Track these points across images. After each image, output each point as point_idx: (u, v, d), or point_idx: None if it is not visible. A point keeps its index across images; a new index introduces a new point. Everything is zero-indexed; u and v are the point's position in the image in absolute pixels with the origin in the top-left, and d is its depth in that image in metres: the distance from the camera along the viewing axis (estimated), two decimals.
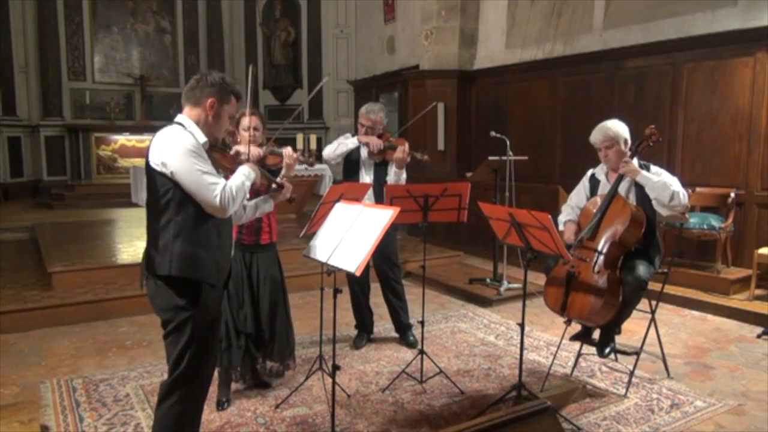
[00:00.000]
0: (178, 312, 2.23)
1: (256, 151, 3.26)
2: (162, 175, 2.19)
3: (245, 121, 3.32)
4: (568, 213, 3.69)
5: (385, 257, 4.18)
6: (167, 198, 2.21)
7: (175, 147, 2.18)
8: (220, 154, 2.58)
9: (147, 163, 2.24)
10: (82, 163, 11.02)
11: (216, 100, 2.33)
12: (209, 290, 2.28)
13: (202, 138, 2.30)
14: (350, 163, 4.21)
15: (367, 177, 4.16)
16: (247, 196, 2.39)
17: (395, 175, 4.05)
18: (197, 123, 2.33)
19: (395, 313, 4.31)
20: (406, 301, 4.32)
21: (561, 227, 3.61)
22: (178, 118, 2.34)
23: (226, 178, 2.54)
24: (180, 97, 2.43)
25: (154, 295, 2.28)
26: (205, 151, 2.29)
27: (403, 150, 3.93)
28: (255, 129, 3.33)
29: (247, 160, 2.59)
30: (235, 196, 2.26)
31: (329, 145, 4.28)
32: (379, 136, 4.12)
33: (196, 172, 2.17)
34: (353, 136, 4.27)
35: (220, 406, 3.25)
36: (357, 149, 4.19)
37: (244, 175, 2.38)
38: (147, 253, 2.30)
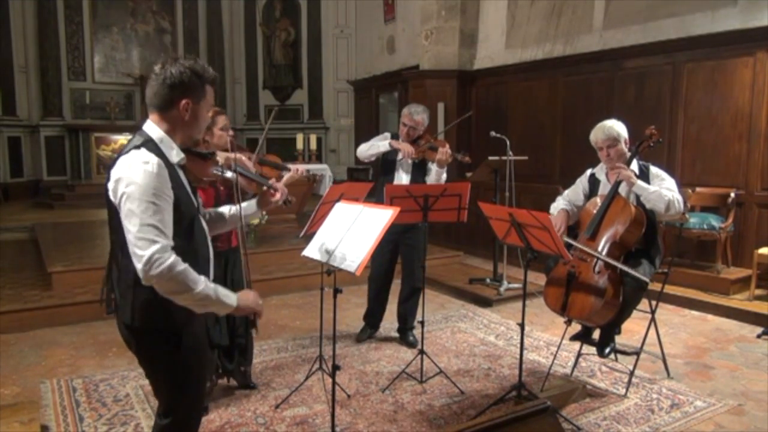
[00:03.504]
0: (156, 360, 1.93)
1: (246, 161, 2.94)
2: (117, 211, 1.82)
3: (221, 120, 3.06)
4: (561, 204, 3.68)
5: (417, 255, 4.20)
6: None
7: (133, 186, 1.77)
8: (201, 162, 2.14)
9: (106, 188, 1.87)
10: (82, 163, 11.02)
11: (190, 100, 1.89)
12: (191, 334, 1.94)
13: (177, 156, 1.92)
14: (387, 163, 4.25)
15: (404, 177, 4.19)
16: (195, 305, 1.85)
17: (436, 174, 4.10)
18: (171, 132, 1.92)
19: (405, 313, 4.32)
20: (418, 304, 4.31)
21: (553, 212, 3.61)
22: (147, 128, 1.91)
23: (213, 186, 2.22)
24: None
25: (127, 339, 1.96)
26: (182, 166, 1.97)
27: (445, 152, 3.99)
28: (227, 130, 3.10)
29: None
30: (172, 280, 1.74)
31: (364, 144, 4.30)
32: (420, 137, 4.16)
33: (136, 220, 1.74)
34: (392, 136, 4.28)
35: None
36: (394, 150, 4.21)
37: (216, 294, 1.85)
38: (111, 290, 1.95)
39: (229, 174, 2.20)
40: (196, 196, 2.07)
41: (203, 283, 1.82)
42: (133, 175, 1.78)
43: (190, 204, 1.96)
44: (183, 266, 1.77)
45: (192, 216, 1.96)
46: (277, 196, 2.40)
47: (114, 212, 1.85)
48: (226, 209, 2.34)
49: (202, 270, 1.92)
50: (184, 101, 1.89)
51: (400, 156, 4.16)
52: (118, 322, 1.96)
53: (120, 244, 1.86)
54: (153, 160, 1.82)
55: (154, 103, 1.91)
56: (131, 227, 1.75)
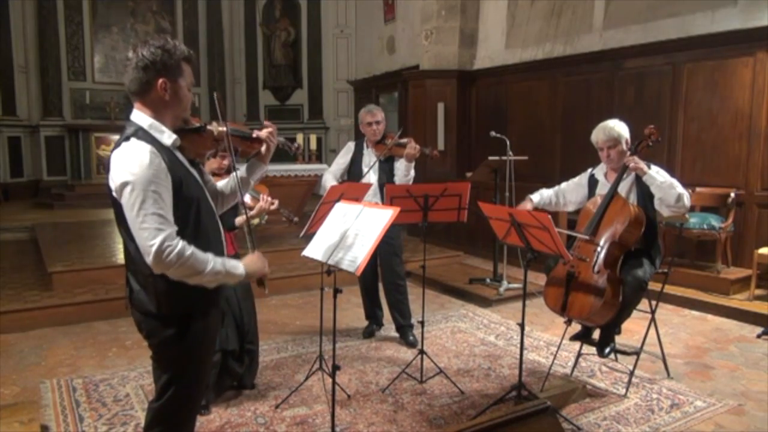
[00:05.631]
0: (163, 345, 1.98)
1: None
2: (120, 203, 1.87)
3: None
4: (542, 192, 3.73)
5: (391, 249, 4.24)
6: None
7: (127, 176, 1.80)
8: (197, 137, 2.10)
9: (108, 186, 1.91)
10: (82, 163, 11.01)
11: (166, 78, 1.89)
12: (201, 320, 2.00)
13: (170, 139, 1.93)
14: (355, 166, 4.31)
15: (373, 177, 4.25)
16: (205, 282, 1.89)
17: (405, 169, 4.15)
18: (158, 117, 1.93)
19: (393, 310, 4.33)
20: (408, 299, 4.33)
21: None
22: (134, 117, 1.93)
23: (214, 156, 2.20)
24: None
25: (139, 321, 2.01)
26: (178, 147, 1.98)
27: (413, 146, 4.06)
28: None
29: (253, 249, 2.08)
30: (183, 263, 1.79)
31: (325, 175, 4.39)
32: (385, 136, 4.23)
33: (137, 212, 1.78)
34: (356, 145, 4.39)
35: (202, 410, 3.14)
36: (360, 155, 4.32)
37: (224, 269, 1.90)
38: (128, 282, 2.00)
39: (222, 128, 2.15)
40: (201, 173, 2.08)
41: (211, 262, 1.87)
42: (128, 167, 1.80)
43: (193, 184, 1.97)
44: (190, 250, 1.82)
45: (198, 197, 1.98)
46: (263, 146, 2.26)
47: (120, 208, 1.87)
48: (222, 183, 2.31)
49: (216, 249, 1.98)
50: (160, 81, 1.89)
51: (370, 159, 4.24)
52: (133, 312, 2.00)
53: (131, 237, 1.88)
54: (145, 148, 1.83)
55: (133, 90, 1.92)
56: (135, 219, 1.79)
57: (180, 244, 1.80)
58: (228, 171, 3.20)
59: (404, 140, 4.14)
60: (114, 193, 1.87)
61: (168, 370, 2.02)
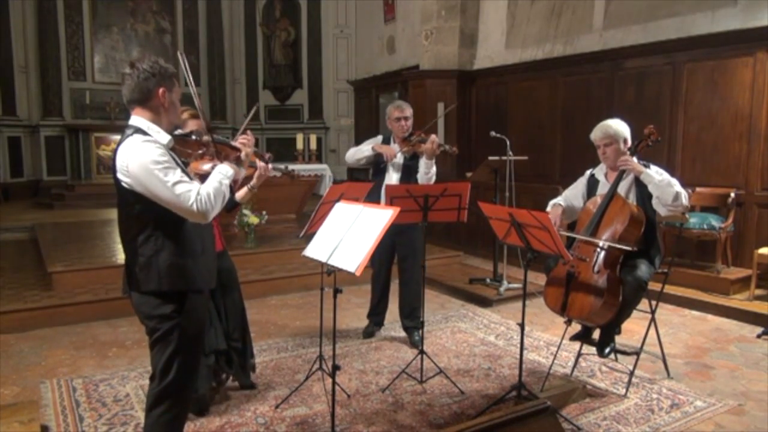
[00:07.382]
0: (164, 320, 2.18)
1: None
2: (133, 192, 2.09)
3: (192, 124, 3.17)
4: (557, 200, 3.71)
5: (412, 252, 4.22)
6: (143, 213, 2.12)
7: (140, 164, 2.04)
8: (186, 141, 2.39)
9: (115, 179, 2.13)
10: (82, 163, 11.00)
11: (165, 87, 2.17)
12: (196, 297, 2.23)
13: (166, 138, 2.19)
14: (378, 164, 4.30)
15: (395, 176, 4.23)
16: (227, 196, 2.23)
17: (426, 167, 4.14)
18: (156, 121, 2.18)
19: (406, 311, 4.31)
20: (420, 303, 4.28)
21: (548, 208, 3.63)
22: (135, 122, 2.17)
23: (201, 158, 2.54)
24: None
25: (138, 304, 2.22)
26: (171, 149, 2.21)
27: (433, 141, 4.04)
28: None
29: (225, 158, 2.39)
30: (213, 200, 2.10)
31: (352, 149, 4.41)
32: (411, 134, 4.20)
33: (167, 186, 2.03)
34: (384, 138, 4.36)
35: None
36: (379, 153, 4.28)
37: (221, 174, 2.22)
38: (127, 269, 2.22)
39: (206, 137, 2.48)
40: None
41: (219, 182, 2.17)
42: (138, 153, 2.05)
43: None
44: (207, 189, 2.11)
45: None
46: (242, 152, 2.48)
47: (125, 195, 2.11)
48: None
49: (207, 239, 2.30)
50: (161, 89, 2.16)
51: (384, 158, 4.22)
52: (133, 296, 2.21)
53: (137, 222, 2.14)
54: (148, 139, 2.11)
55: (135, 98, 2.17)
56: (164, 193, 2.04)
57: (203, 191, 2.08)
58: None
59: (426, 137, 4.09)
60: (122, 183, 2.09)
61: (170, 345, 2.19)
